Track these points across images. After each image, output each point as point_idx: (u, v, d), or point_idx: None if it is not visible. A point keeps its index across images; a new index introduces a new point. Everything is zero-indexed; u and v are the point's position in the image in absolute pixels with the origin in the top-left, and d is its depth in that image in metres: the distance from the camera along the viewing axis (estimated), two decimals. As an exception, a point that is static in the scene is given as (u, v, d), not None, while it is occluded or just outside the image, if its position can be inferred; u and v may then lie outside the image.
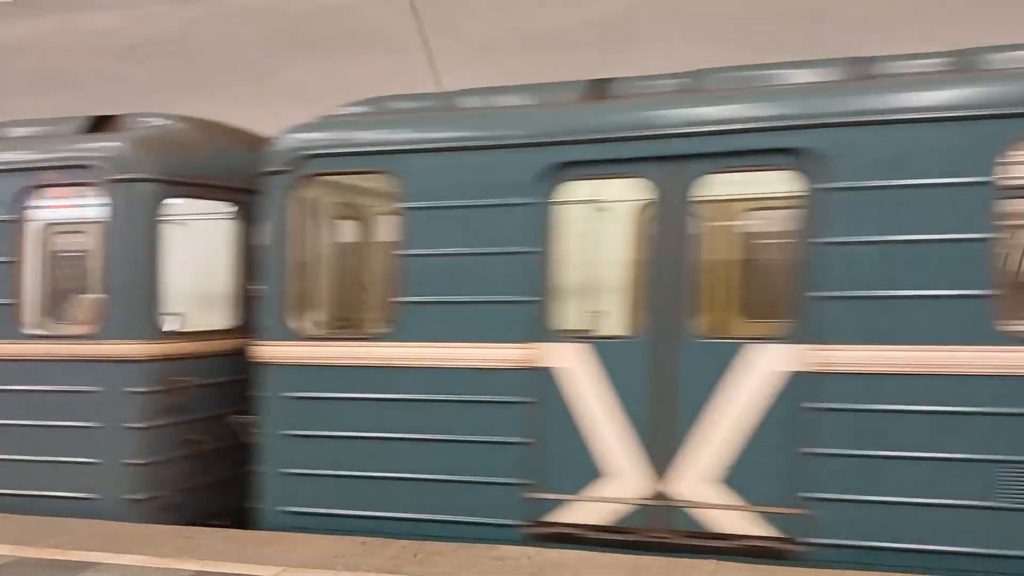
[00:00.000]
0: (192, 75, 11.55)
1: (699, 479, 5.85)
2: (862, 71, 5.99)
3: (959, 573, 5.40)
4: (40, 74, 12.19)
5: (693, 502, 5.88)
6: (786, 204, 6.00)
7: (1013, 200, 5.52)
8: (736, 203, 7.38)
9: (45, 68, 12.13)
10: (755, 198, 7.25)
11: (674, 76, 6.43)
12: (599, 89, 6.56)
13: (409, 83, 8.95)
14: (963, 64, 5.78)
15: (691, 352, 5.87)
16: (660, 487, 5.94)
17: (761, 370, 5.72)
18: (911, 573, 5.40)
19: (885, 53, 6.05)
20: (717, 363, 5.81)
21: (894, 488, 5.49)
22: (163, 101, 8.90)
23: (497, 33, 10.41)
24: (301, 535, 6.40)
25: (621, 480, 6.01)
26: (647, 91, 6.41)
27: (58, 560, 5.88)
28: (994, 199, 5.30)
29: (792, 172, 5.74)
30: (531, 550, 5.94)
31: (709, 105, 5.97)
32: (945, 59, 5.87)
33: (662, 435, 5.93)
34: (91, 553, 6.02)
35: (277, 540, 6.30)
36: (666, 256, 5.97)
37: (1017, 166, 5.46)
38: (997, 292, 5.32)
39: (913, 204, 5.45)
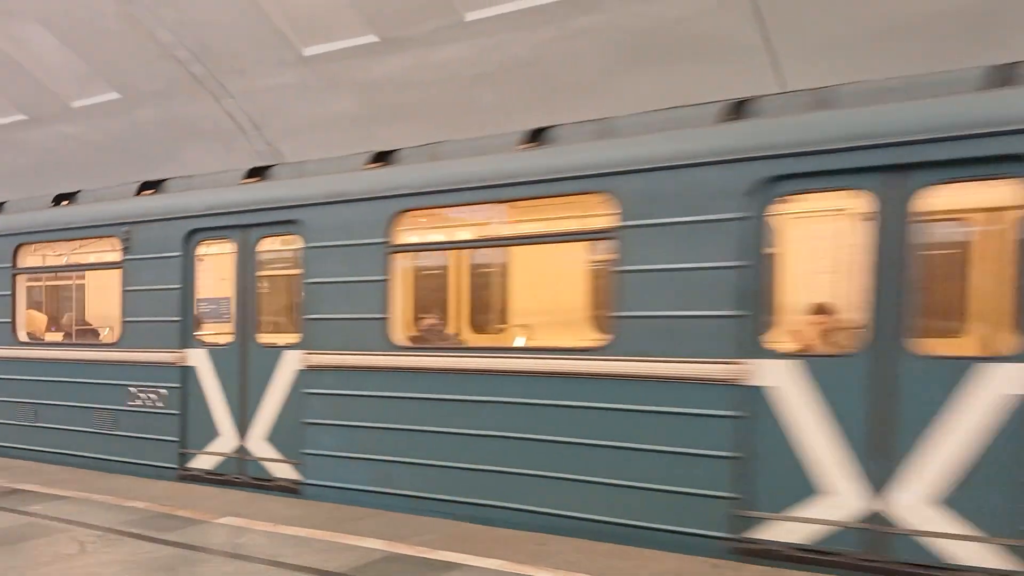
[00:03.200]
0: (536, 96, 12.03)
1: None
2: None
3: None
4: (398, 105, 13.30)
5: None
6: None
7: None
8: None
9: (402, 100, 13.21)
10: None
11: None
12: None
13: (751, 87, 8.68)
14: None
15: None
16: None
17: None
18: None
19: None
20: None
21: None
22: (508, 123, 9.31)
23: (845, 29, 9.82)
24: (651, 551, 6.34)
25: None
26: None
27: (426, 559, 6.23)
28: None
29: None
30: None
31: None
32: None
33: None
34: (455, 554, 6.33)
35: (629, 554, 6.29)
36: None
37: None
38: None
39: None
